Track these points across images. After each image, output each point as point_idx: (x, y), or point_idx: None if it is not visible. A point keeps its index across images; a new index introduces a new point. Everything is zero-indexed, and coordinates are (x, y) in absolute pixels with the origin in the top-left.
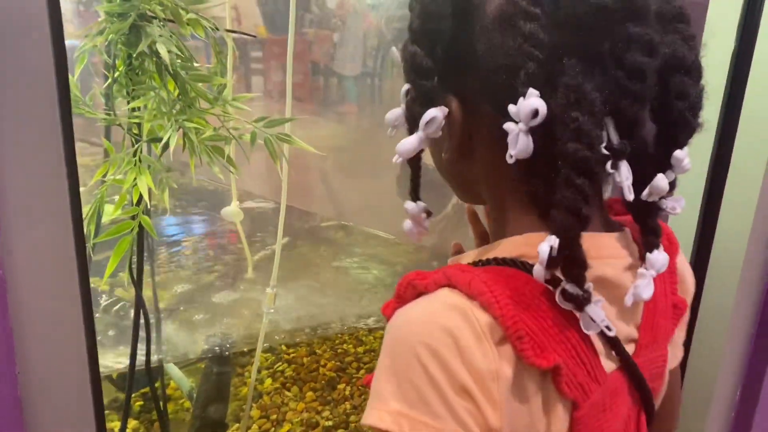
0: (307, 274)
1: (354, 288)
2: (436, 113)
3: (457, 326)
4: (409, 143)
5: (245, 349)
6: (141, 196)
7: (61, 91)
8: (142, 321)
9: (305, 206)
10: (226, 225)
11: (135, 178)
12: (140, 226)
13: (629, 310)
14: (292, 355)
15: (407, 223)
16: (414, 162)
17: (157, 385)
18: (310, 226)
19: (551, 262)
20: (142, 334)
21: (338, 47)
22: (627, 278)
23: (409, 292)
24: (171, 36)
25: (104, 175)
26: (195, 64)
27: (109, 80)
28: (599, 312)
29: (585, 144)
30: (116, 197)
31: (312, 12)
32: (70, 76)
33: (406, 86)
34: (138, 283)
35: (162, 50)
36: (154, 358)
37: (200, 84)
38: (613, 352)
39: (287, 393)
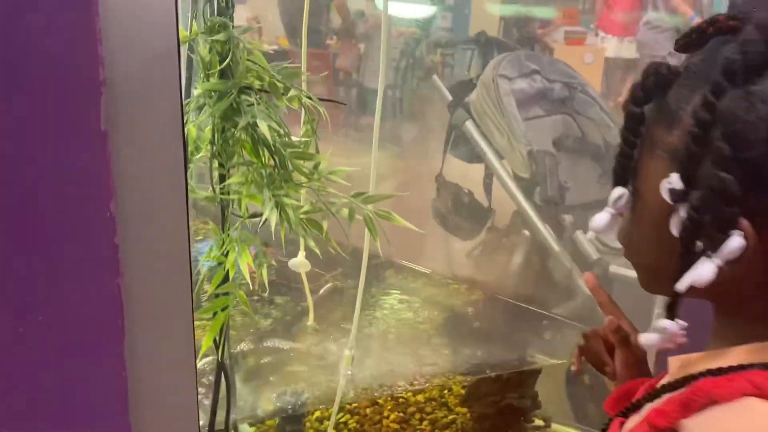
0: (364, 322)
1: (413, 335)
2: (741, 241)
3: None
4: (706, 273)
5: (311, 410)
6: (238, 270)
7: (184, 172)
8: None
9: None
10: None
11: (236, 257)
12: None
13: None
14: (353, 404)
15: (652, 337)
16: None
17: None
18: (357, 263)
19: None
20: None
21: (367, 59)
22: None
23: (699, 400)
24: (268, 109)
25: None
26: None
27: (206, 154)
28: None
29: None
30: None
31: (334, 23)
32: None
33: (620, 191)
34: (222, 347)
35: (263, 126)
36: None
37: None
38: None
39: None
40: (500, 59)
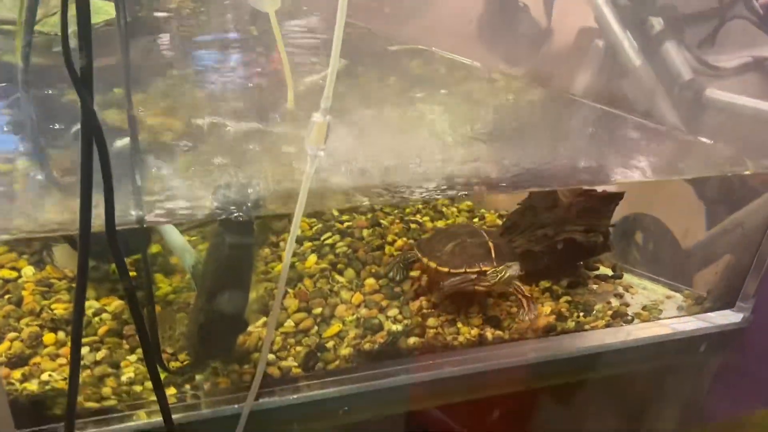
0: (371, 113)
1: (436, 138)
2: None
3: None
4: None
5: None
6: None
7: None
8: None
9: (370, 23)
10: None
11: None
12: None
13: None
14: (346, 224)
15: None
16: None
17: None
18: (376, 49)
19: None
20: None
21: None
22: None
23: None
24: None
25: None
26: None
27: None
28: None
29: None
30: None
31: None
32: None
33: None
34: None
35: None
36: (131, 213)
37: None
38: None
39: (339, 278)
40: None
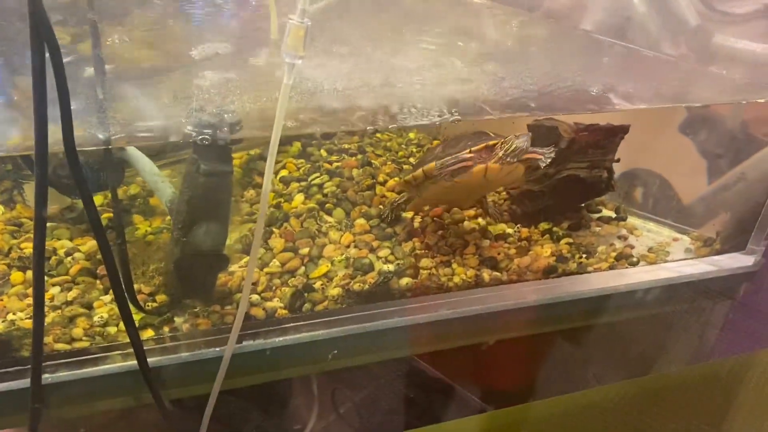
0: (363, 41)
1: (438, 66)
2: None
3: None
4: None
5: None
6: None
7: None
8: None
9: None
10: None
11: None
12: None
13: None
14: (335, 165)
15: None
16: None
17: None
18: None
19: None
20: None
21: None
22: None
23: None
24: None
25: None
26: None
27: None
28: None
29: None
30: None
31: None
32: None
33: None
34: None
35: None
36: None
37: None
38: None
39: (327, 218)
40: None
